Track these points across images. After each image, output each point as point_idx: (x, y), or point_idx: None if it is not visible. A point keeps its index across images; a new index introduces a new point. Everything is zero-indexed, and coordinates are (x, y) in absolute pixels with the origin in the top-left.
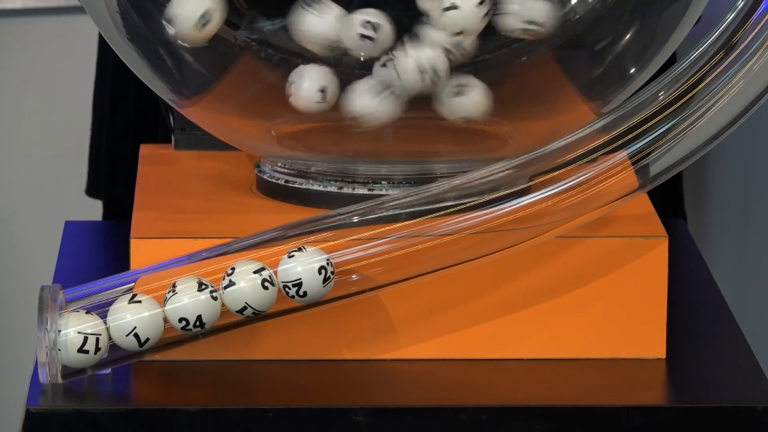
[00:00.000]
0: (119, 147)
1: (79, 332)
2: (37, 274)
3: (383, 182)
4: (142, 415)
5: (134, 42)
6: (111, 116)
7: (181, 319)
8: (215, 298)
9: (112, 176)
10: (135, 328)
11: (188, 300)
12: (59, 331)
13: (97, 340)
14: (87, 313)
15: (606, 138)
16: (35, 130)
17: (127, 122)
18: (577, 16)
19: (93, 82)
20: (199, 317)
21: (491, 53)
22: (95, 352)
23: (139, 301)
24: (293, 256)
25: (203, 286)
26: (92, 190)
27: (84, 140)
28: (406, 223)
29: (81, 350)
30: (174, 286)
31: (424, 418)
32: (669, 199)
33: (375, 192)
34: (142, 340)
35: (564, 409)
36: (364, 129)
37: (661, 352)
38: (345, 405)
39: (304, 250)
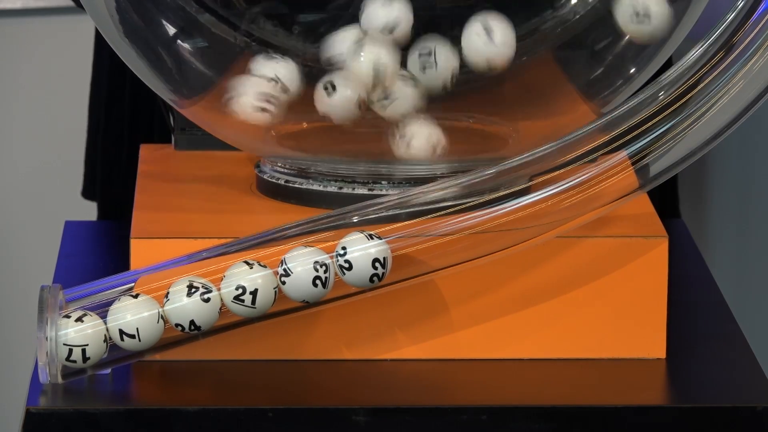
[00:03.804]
0: (115, 149)
1: (64, 344)
2: (37, 274)
3: (383, 182)
4: (142, 415)
5: (134, 42)
6: (107, 118)
7: (177, 324)
8: (207, 300)
9: (108, 178)
10: (137, 329)
11: (179, 304)
12: (46, 338)
13: (83, 350)
14: (77, 320)
15: (606, 138)
16: (32, 130)
17: (122, 124)
18: (577, 16)
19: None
20: (192, 321)
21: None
22: (84, 361)
23: (139, 301)
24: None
25: (193, 290)
26: (88, 192)
27: (80, 142)
28: (406, 223)
29: (69, 360)
30: (169, 289)
31: (424, 418)
32: (665, 200)
33: (375, 192)
34: (141, 340)
35: (564, 409)
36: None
37: (661, 352)
38: (345, 405)
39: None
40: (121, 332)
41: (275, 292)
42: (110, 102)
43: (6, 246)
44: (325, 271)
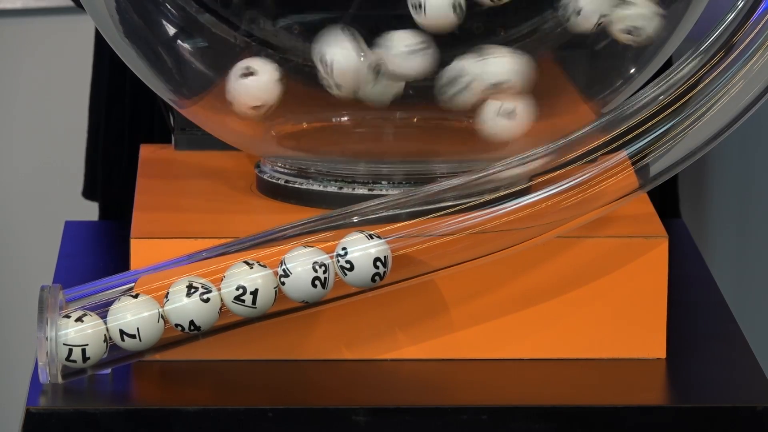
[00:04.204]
0: (115, 149)
1: (64, 344)
2: (37, 275)
3: (383, 182)
4: (142, 415)
5: (134, 42)
6: (107, 118)
7: (177, 324)
8: (206, 301)
9: (108, 178)
10: (138, 329)
11: (179, 305)
12: (46, 338)
13: (83, 350)
14: (77, 320)
15: (606, 138)
16: (32, 130)
17: (123, 124)
18: None
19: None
20: (192, 321)
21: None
22: (84, 361)
23: (139, 301)
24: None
25: (192, 290)
26: (89, 192)
27: (80, 142)
28: (406, 223)
29: (69, 359)
30: (168, 289)
31: (424, 418)
32: (665, 200)
33: (375, 192)
34: (141, 340)
35: (564, 409)
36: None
37: (661, 352)
38: (345, 405)
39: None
40: (122, 332)
41: (275, 292)
42: (110, 102)
43: (6, 246)
44: (324, 272)
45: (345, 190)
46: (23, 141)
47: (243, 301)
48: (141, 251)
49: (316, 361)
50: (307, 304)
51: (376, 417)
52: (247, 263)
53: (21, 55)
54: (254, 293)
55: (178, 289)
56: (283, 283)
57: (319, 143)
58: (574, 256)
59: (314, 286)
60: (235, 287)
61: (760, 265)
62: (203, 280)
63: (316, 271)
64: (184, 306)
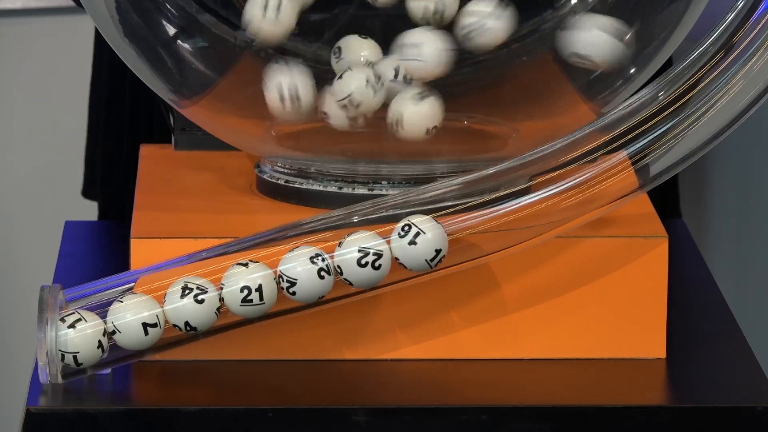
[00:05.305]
0: (115, 148)
1: (59, 350)
2: (37, 274)
3: (383, 182)
4: (142, 415)
5: (134, 42)
6: (106, 117)
7: (174, 325)
8: (200, 302)
9: (107, 178)
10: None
11: (173, 306)
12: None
13: (75, 357)
14: (70, 326)
15: (606, 138)
16: (32, 130)
17: (122, 124)
18: (577, 16)
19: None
20: (187, 322)
21: (491, 53)
22: (77, 366)
23: (139, 301)
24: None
25: (187, 291)
26: (88, 192)
27: (80, 142)
28: None
29: (64, 363)
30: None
31: (424, 418)
32: (665, 200)
33: (375, 192)
34: (146, 339)
35: (564, 409)
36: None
37: (661, 352)
38: (345, 405)
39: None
40: (145, 325)
41: (277, 285)
42: (110, 102)
43: (6, 246)
44: (323, 260)
45: (345, 190)
46: (23, 141)
47: (251, 301)
48: (141, 251)
49: (316, 361)
50: (315, 302)
51: (376, 417)
52: (242, 264)
53: (21, 55)
54: (259, 290)
55: (174, 290)
56: (293, 293)
57: (319, 143)
58: (574, 256)
59: (321, 277)
60: (239, 289)
61: (760, 265)
62: (200, 281)
63: (315, 263)
64: (177, 308)
